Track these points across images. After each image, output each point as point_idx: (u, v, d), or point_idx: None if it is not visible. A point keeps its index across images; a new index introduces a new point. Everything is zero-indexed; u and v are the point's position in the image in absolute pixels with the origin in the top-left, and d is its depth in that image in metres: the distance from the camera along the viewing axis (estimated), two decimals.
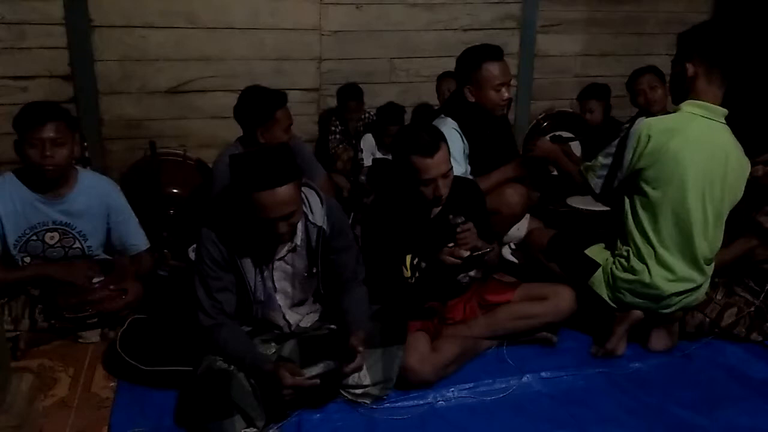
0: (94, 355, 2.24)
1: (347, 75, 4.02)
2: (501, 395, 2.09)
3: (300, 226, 1.94)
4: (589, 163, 2.35)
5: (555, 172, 2.94)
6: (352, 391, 1.99)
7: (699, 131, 2.12)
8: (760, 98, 3.76)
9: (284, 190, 1.73)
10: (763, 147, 2.38)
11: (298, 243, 1.97)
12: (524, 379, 2.16)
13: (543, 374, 2.18)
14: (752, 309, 2.38)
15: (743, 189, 2.22)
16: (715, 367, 2.26)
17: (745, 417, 2.01)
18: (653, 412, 2.03)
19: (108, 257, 2.43)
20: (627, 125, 2.24)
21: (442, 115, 2.72)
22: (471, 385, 2.12)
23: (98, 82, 3.54)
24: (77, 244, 2.34)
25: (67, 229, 2.31)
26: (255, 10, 3.72)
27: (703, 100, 2.12)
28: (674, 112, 2.17)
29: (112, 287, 2.31)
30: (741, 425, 1.97)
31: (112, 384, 2.09)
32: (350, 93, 3.84)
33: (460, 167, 2.55)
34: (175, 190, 3.09)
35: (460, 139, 2.64)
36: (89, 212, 2.32)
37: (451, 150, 2.55)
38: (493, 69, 2.60)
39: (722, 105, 2.16)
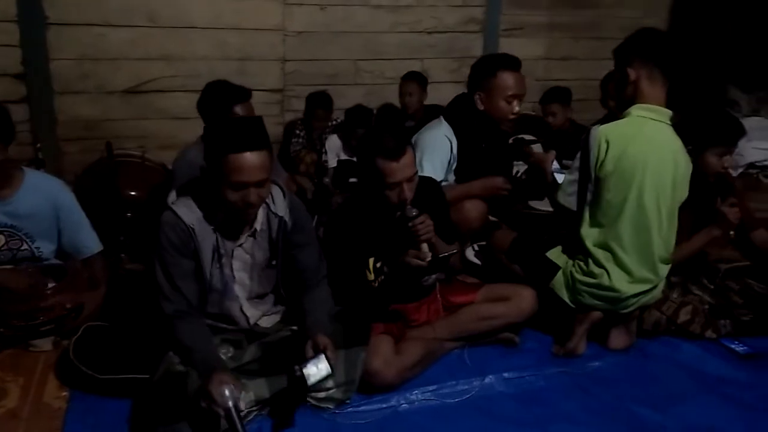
0: (45, 363, 2.15)
1: (311, 76, 4.00)
2: (464, 397, 2.09)
3: (261, 213, 1.94)
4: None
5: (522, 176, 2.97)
6: (315, 395, 1.96)
7: (651, 134, 2.16)
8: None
9: (260, 155, 1.76)
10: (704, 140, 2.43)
11: (258, 228, 1.95)
12: (487, 380, 2.17)
13: (505, 375, 2.19)
14: (707, 307, 2.44)
15: (688, 187, 2.28)
16: (672, 365, 2.31)
17: (702, 414, 2.05)
18: (613, 410, 2.06)
19: (59, 262, 2.35)
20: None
21: (441, 118, 2.69)
22: (434, 387, 2.11)
23: (53, 81, 3.45)
24: (25, 247, 2.26)
25: (13, 231, 2.23)
26: (217, 10, 3.67)
27: (649, 103, 2.16)
28: (623, 118, 2.20)
29: (68, 306, 2.24)
30: (697, 422, 2.01)
31: (65, 393, 2.02)
32: (319, 101, 3.80)
33: (437, 176, 2.53)
34: (132, 193, 3.02)
35: (449, 148, 2.61)
36: (37, 214, 2.24)
37: (432, 156, 2.57)
38: (508, 78, 2.55)
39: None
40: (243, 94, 2.48)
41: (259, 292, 2.04)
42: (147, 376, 1.89)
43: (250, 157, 1.74)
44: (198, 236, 1.87)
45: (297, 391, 1.87)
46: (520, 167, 3.33)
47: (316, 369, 1.82)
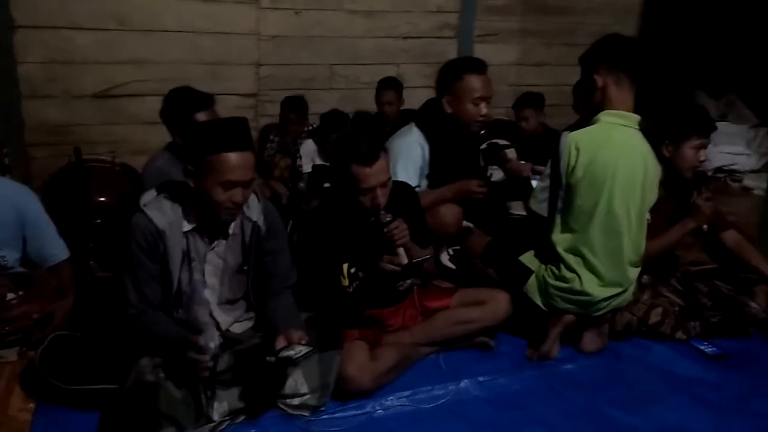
0: (11, 374, 2.09)
1: (286, 81, 3.98)
2: (439, 402, 2.09)
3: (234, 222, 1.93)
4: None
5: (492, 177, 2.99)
6: (289, 402, 1.94)
7: (620, 140, 2.19)
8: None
9: (249, 155, 1.80)
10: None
11: (231, 232, 1.94)
12: (462, 384, 2.17)
13: (480, 379, 2.20)
14: (677, 308, 2.48)
15: (657, 190, 2.32)
16: (644, 367, 2.34)
17: (673, 414, 2.08)
18: (586, 412, 2.08)
19: (25, 270, 2.29)
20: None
21: (412, 124, 2.70)
22: (409, 392, 2.11)
23: (21, 85, 3.37)
24: None
25: None
26: (189, 13, 3.63)
27: (618, 109, 2.19)
28: (592, 124, 2.22)
29: (35, 316, 2.18)
30: (669, 423, 2.04)
31: (31, 405, 1.96)
32: (293, 105, 3.77)
33: (411, 182, 2.53)
34: (102, 199, 2.96)
35: (421, 153, 2.61)
36: (1, 222, 2.18)
37: (405, 163, 2.56)
38: (474, 81, 2.56)
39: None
40: (206, 100, 2.42)
41: (229, 298, 2.02)
42: (116, 386, 1.84)
43: (241, 157, 1.77)
44: (168, 240, 1.85)
45: (274, 382, 1.85)
46: (494, 171, 3.35)
47: (294, 351, 1.77)
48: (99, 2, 3.45)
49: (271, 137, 3.86)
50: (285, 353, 1.75)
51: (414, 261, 2.09)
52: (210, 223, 1.89)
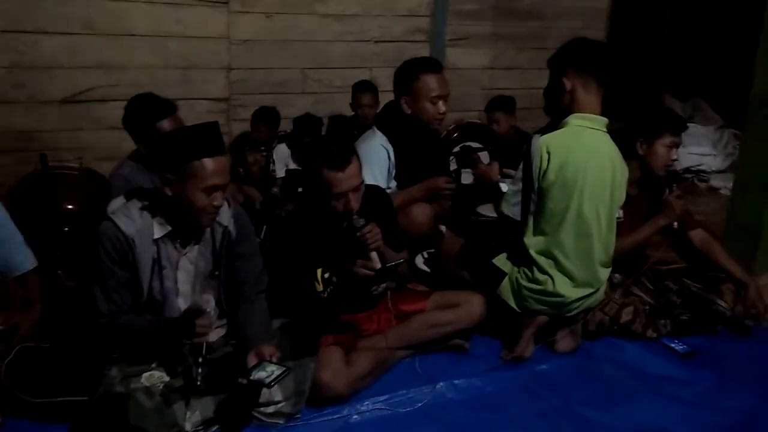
0: None
1: (258, 85, 3.95)
2: (415, 406, 2.09)
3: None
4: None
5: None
6: (264, 410, 1.92)
7: (589, 143, 2.22)
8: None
9: (225, 159, 1.84)
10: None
11: (202, 238, 1.93)
12: (438, 387, 2.17)
13: (456, 381, 2.20)
14: (647, 307, 2.52)
15: (625, 191, 2.36)
16: (616, 366, 2.36)
17: (646, 412, 2.11)
18: (561, 412, 2.10)
19: None
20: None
21: (374, 128, 2.70)
22: (385, 397, 2.10)
23: None
24: None
25: None
26: (157, 17, 3.58)
27: (586, 112, 2.22)
28: (561, 127, 2.24)
29: (0, 327, 2.12)
30: (641, 421, 2.07)
31: None
32: (262, 115, 3.73)
33: (379, 185, 2.52)
34: (69, 206, 2.89)
35: (386, 156, 2.62)
36: None
37: (372, 166, 2.56)
38: (430, 81, 2.58)
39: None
40: (168, 107, 2.38)
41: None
42: (85, 398, 1.81)
43: (220, 160, 1.80)
44: (137, 248, 1.83)
45: (248, 401, 1.82)
46: (467, 174, 3.38)
47: (266, 372, 1.77)
48: (65, 6, 3.38)
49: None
50: (256, 375, 1.75)
51: (387, 265, 2.09)
52: (184, 228, 1.88)
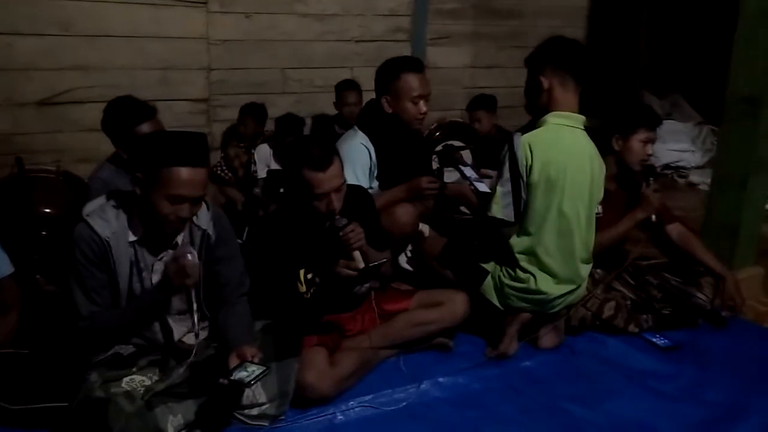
0: None
1: (238, 85, 3.93)
2: (400, 405, 2.08)
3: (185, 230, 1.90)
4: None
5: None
6: (248, 412, 1.90)
7: (568, 141, 2.23)
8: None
9: (201, 172, 1.76)
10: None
11: (180, 242, 1.90)
12: (423, 386, 2.17)
13: (440, 380, 2.21)
14: (629, 302, 2.54)
15: (603, 188, 2.37)
16: (599, 361, 2.38)
17: (628, 407, 2.12)
18: (545, 409, 2.11)
19: None
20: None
21: (355, 127, 2.68)
22: (370, 396, 2.10)
23: None
24: None
25: None
26: (135, 18, 3.54)
27: (564, 110, 2.23)
28: (540, 126, 2.24)
29: None
30: (624, 416, 2.08)
31: None
32: (250, 109, 3.74)
33: (361, 185, 2.51)
34: (47, 210, 2.84)
35: (368, 155, 2.60)
36: None
37: (354, 166, 2.55)
38: (411, 80, 2.56)
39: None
40: (148, 111, 2.35)
41: (181, 308, 1.96)
42: (65, 404, 1.78)
43: (193, 172, 1.73)
44: (114, 250, 1.80)
45: (230, 402, 1.81)
46: (449, 173, 3.38)
47: (246, 372, 1.75)
48: (40, 7, 3.34)
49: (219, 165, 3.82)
50: (237, 375, 1.73)
51: (370, 265, 2.08)
52: (155, 233, 1.85)
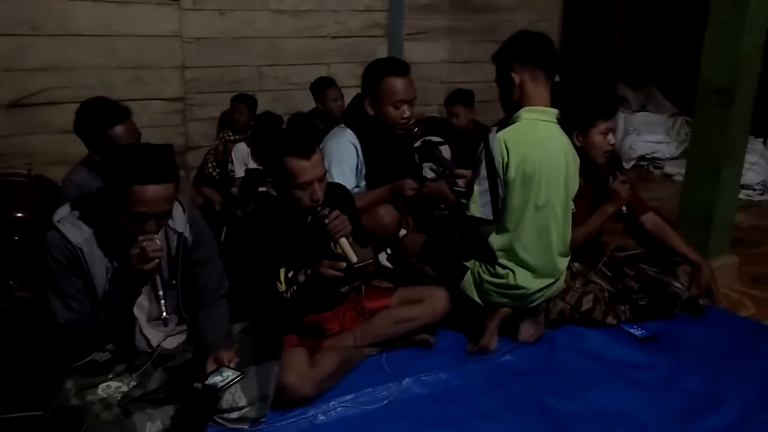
0: None
1: (214, 83, 3.89)
2: (383, 403, 2.08)
3: (160, 232, 1.84)
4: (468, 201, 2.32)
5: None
6: (227, 416, 1.88)
7: (543, 136, 2.24)
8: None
9: (165, 188, 1.70)
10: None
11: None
12: (404, 383, 2.17)
13: (422, 376, 2.20)
14: (606, 294, 2.57)
15: (578, 181, 2.38)
16: (579, 353, 2.40)
17: (608, 398, 2.14)
18: (526, 402, 2.12)
19: None
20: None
21: (342, 125, 2.65)
22: (352, 395, 2.09)
23: None
24: None
25: None
26: (105, 17, 3.48)
27: (536, 104, 2.24)
28: (513, 122, 2.25)
29: None
30: (604, 407, 2.09)
31: None
32: (242, 96, 3.76)
33: (348, 183, 2.50)
34: (19, 215, 2.78)
35: (355, 153, 2.58)
36: None
37: (341, 165, 2.53)
38: (394, 84, 2.50)
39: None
40: (121, 113, 2.30)
41: (157, 314, 1.93)
42: (40, 413, 1.76)
43: (154, 190, 1.67)
44: (87, 255, 1.77)
45: (205, 406, 1.79)
46: (430, 168, 3.38)
47: (221, 377, 1.74)
48: (7, 6, 3.26)
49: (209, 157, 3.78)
50: (212, 380, 1.71)
51: (356, 266, 2.05)
52: (129, 243, 1.80)
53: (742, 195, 4.13)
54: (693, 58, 3.13)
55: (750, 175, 4.42)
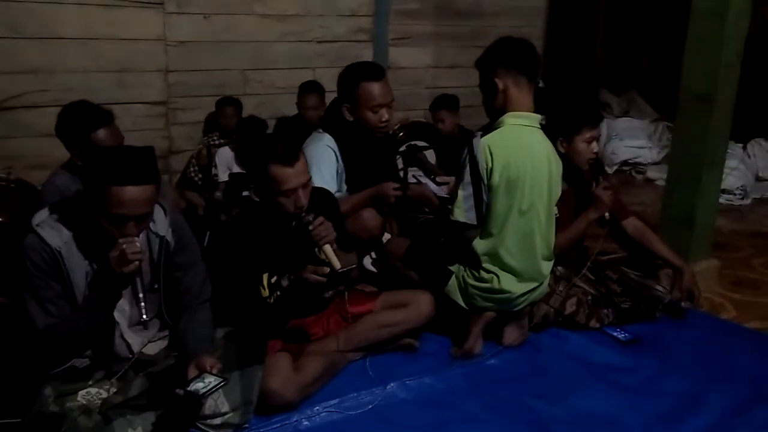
0: None
1: (198, 87, 3.87)
2: (367, 407, 2.07)
3: (141, 234, 1.83)
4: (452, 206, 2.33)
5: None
6: (210, 422, 1.86)
7: (527, 141, 2.26)
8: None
9: (144, 190, 1.69)
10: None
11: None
12: (389, 388, 2.16)
13: (407, 381, 2.20)
14: (589, 297, 2.58)
15: (561, 186, 2.40)
16: (563, 357, 2.41)
17: (592, 401, 2.15)
18: (511, 406, 2.12)
19: None
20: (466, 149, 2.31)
21: (320, 130, 2.64)
22: (336, 400, 2.08)
23: None
24: None
25: None
26: (89, 19, 3.45)
27: (520, 110, 2.25)
28: (497, 127, 2.25)
29: None
30: (588, 410, 2.11)
31: None
32: (228, 99, 3.74)
33: (329, 188, 2.48)
34: None
35: (335, 157, 2.57)
36: None
37: (320, 169, 2.52)
38: (370, 89, 2.48)
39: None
40: (104, 116, 2.28)
41: (138, 320, 1.91)
42: (18, 420, 1.73)
43: (134, 192, 1.66)
44: (66, 260, 1.74)
45: (187, 413, 1.77)
46: (415, 173, 3.38)
47: (203, 384, 1.72)
48: None
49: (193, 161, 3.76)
50: (193, 386, 1.70)
51: (340, 271, 2.05)
52: (109, 246, 1.78)
53: (723, 199, 4.19)
54: (674, 65, 3.17)
55: (730, 180, 4.48)
